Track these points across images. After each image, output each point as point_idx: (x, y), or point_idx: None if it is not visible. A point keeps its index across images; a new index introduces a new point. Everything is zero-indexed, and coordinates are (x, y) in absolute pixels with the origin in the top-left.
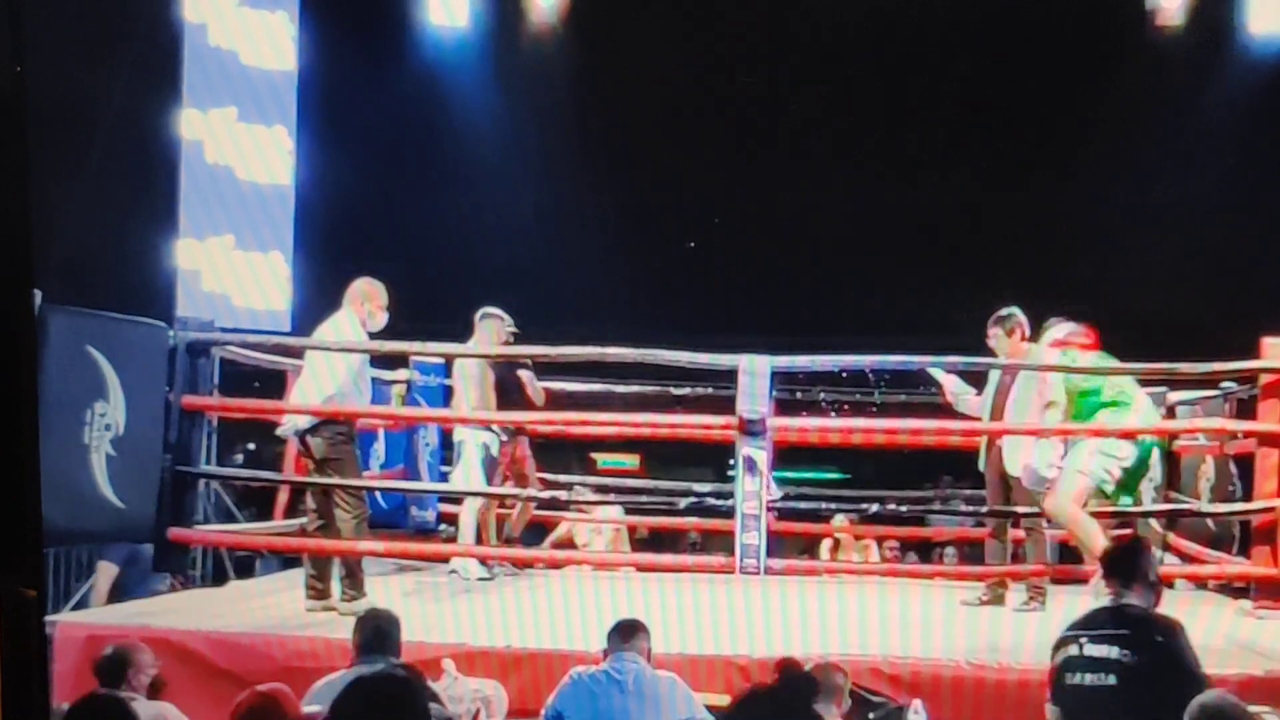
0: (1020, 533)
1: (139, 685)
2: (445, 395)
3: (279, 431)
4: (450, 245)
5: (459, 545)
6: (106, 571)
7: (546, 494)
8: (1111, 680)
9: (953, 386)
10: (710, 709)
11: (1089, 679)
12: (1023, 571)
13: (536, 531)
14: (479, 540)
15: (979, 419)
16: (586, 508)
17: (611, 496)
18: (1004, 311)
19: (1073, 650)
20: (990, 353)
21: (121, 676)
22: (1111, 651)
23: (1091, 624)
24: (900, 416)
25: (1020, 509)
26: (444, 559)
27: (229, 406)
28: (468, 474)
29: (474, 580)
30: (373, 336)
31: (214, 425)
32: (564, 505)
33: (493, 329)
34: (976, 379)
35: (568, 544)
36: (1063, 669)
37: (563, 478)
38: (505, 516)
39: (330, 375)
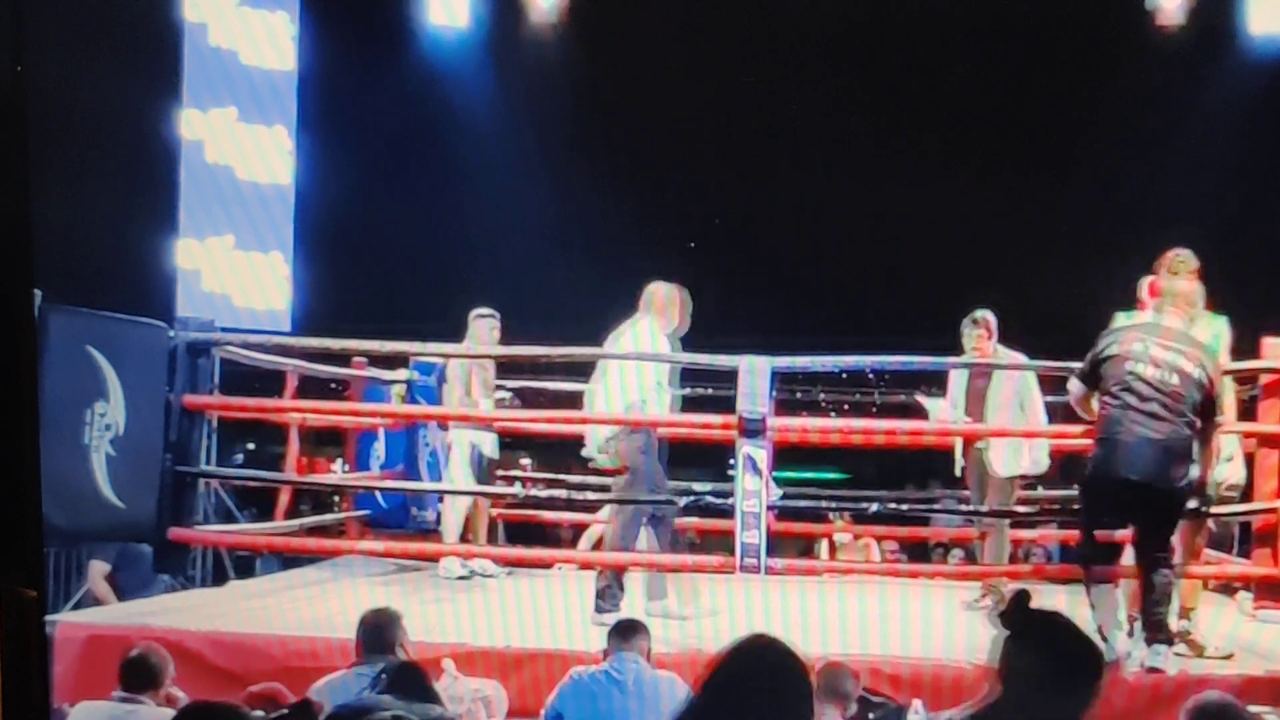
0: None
1: (162, 695)
2: None
3: (585, 452)
4: (450, 245)
5: (444, 545)
6: (99, 569)
7: (523, 493)
8: (1175, 382)
9: (947, 417)
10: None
11: (1152, 373)
12: (1023, 571)
13: (536, 533)
14: (463, 539)
15: None
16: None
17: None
18: (978, 314)
19: (1138, 346)
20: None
21: (150, 682)
22: (1179, 360)
23: (1157, 331)
24: (900, 417)
25: (1020, 508)
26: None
27: (229, 406)
28: (465, 473)
29: (455, 580)
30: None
31: (214, 425)
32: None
33: (486, 328)
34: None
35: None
36: (1126, 357)
37: (563, 478)
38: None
39: (632, 384)
